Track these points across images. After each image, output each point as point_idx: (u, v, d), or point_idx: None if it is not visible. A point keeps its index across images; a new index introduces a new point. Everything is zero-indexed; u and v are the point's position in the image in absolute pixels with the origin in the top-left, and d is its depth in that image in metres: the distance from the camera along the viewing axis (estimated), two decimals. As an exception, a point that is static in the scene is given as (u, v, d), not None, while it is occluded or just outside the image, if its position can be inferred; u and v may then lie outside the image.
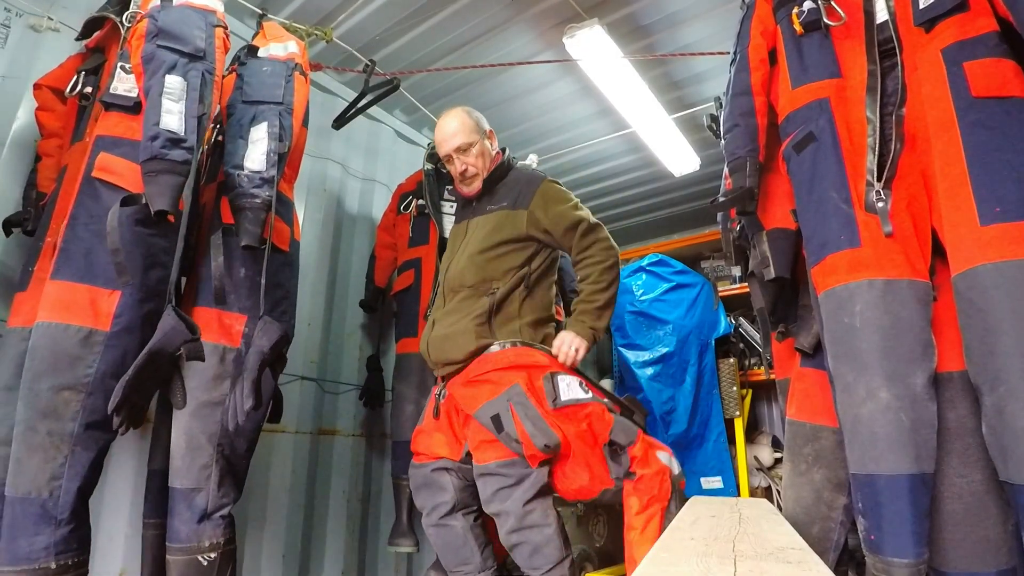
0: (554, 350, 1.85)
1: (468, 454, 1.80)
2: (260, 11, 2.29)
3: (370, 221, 3.10)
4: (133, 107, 1.63)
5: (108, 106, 1.65)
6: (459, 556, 1.80)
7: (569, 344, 1.84)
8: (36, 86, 1.86)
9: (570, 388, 1.76)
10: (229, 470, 1.71)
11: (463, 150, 1.99)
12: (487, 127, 2.07)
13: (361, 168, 3.14)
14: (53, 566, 1.38)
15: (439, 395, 1.92)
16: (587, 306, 1.89)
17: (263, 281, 1.70)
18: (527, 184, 1.99)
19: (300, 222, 2.71)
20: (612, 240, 1.97)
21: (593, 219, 1.96)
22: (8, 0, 1.98)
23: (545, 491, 1.71)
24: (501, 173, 2.04)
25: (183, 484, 1.64)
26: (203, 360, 1.57)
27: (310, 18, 2.60)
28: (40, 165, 1.87)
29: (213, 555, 1.64)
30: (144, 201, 1.52)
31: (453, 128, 2.00)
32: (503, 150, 2.10)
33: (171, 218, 1.54)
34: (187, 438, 1.65)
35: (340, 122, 2.78)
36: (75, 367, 1.46)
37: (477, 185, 2.02)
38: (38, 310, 1.50)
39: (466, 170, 2.01)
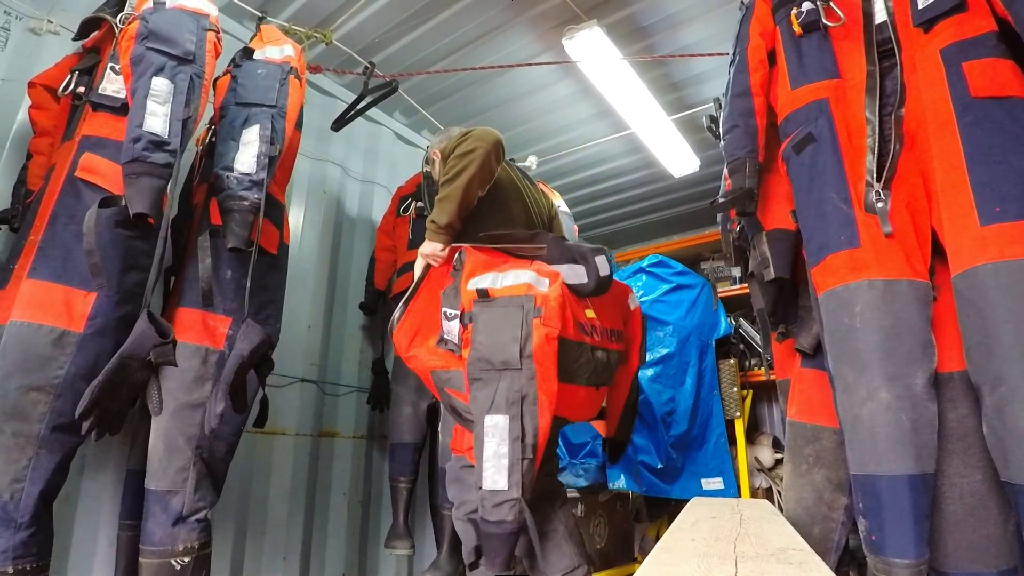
0: None
1: None
2: (259, 13, 2.30)
3: (370, 223, 3.10)
4: (120, 108, 1.62)
5: (96, 106, 1.64)
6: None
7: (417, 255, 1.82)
8: (30, 84, 1.85)
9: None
10: (207, 473, 1.68)
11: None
12: (432, 149, 2.12)
13: (361, 170, 3.14)
14: (10, 570, 1.35)
15: None
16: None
17: (248, 283, 1.68)
18: None
19: (300, 224, 2.72)
20: (478, 134, 1.78)
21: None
22: (8, 3, 1.98)
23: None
24: None
25: (159, 486, 1.60)
26: (175, 364, 1.53)
27: (309, 20, 2.60)
28: (30, 163, 1.86)
29: (187, 559, 1.60)
30: (124, 203, 1.50)
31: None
32: None
33: (151, 220, 1.53)
34: (165, 439, 1.61)
35: (340, 124, 2.78)
36: (45, 368, 1.44)
37: None
38: (12, 308, 1.48)
39: None
